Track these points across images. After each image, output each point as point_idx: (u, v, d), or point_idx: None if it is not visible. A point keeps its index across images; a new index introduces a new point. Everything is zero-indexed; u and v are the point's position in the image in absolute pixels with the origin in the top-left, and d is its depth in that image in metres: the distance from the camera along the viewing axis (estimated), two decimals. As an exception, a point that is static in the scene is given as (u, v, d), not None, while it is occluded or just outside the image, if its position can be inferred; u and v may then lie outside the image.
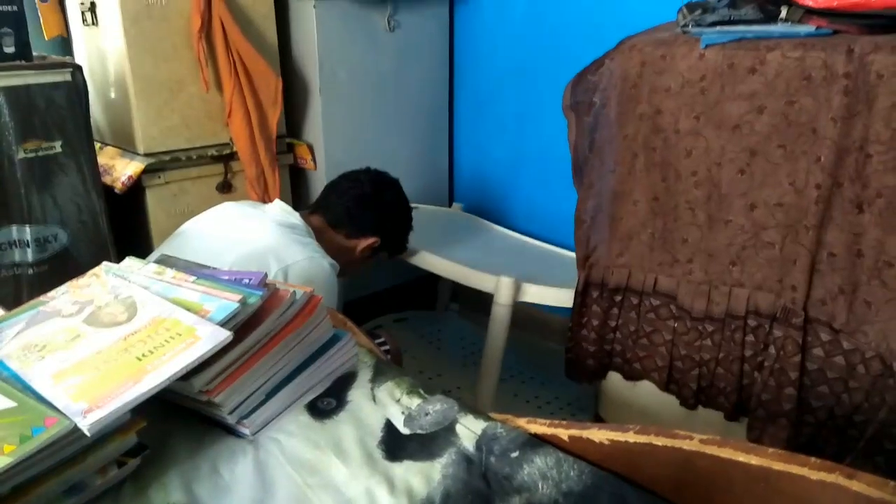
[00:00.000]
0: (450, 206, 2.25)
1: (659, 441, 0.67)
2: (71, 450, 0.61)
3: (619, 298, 1.40)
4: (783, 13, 1.16)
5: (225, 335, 0.66)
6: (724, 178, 1.20)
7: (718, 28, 1.18)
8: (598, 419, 1.64)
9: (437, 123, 2.22)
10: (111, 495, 0.69)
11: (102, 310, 0.73)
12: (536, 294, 1.60)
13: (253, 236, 1.34)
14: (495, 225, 2.05)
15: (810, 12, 1.13)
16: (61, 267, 1.50)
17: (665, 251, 1.32)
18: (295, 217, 1.44)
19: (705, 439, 0.65)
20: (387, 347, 1.45)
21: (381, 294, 2.15)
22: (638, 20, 1.46)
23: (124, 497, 0.69)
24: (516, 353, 2.03)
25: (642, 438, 0.68)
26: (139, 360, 0.64)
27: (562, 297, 1.56)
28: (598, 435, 0.72)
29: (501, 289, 1.58)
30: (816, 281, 1.13)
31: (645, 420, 1.48)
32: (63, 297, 0.78)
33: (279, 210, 1.46)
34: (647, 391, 1.42)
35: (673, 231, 1.30)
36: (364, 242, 1.53)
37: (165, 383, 0.62)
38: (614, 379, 1.49)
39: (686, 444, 0.65)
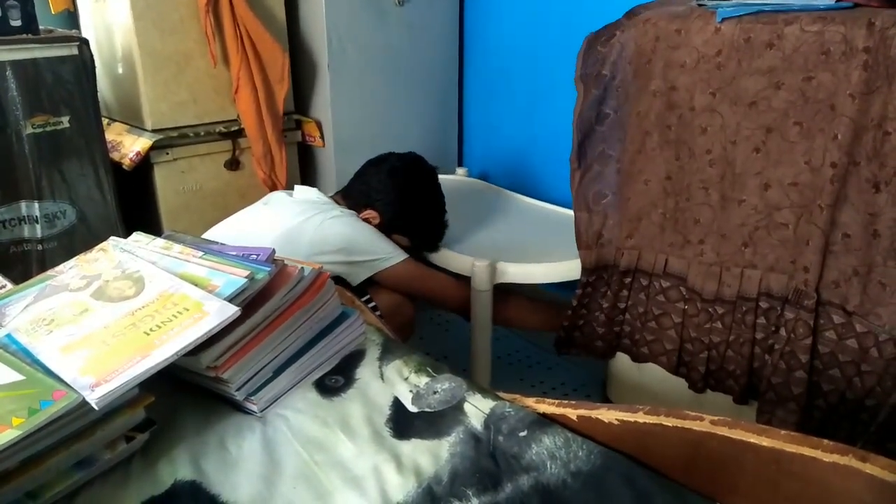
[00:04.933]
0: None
1: (669, 422, 0.66)
2: (79, 424, 0.61)
3: (628, 280, 1.39)
4: (803, -14, 1.14)
5: (233, 311, 0.66)
6: (739, 156, 1.18)
7: (735, 0, 1.15)
8: (606, 402, 1.63)
9: (446, 100, 2.20)
10: (120, 470, 0.69)
11: (110, 284, 0.73)
12: (517, 274, 1.50)
13: (282, 220, 1.41)
14: (504, 189, 2.00)
15: (831, -15, 1.10)
16: (70, 243, 1.50)
17: (676, 232, 1.31)
18: (321, 196, 1.50)
19: (716, 420, 0.64)
20: (373, 304, 1.42)
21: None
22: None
23: (133, 471, 0.69)
24: (524, 335, 2.02)
25: (652, 419, 0.68)
26: (147, 334, 0.64)
27: (546, 272, 1.50)
28: (608, 415, 0.71)
29: (477, 274, 1.48)
30: (830, 262, 1.11)
31: (654, 403, 1.47)
32: (71, 271, 0.78)
33: (306, 194, 1.51)
34: (655, 374, 1.41)
35: (685, 211, 1.28)
36: (364, 214, 1.50)
37: (173, 358, 0.61)
38: (623, 360, 1.48)
39: (696, 425, 0.64)
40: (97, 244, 0.87)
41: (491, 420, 0.74)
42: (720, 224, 1.24)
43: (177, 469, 0.70)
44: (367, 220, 1.49)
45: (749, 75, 1.13)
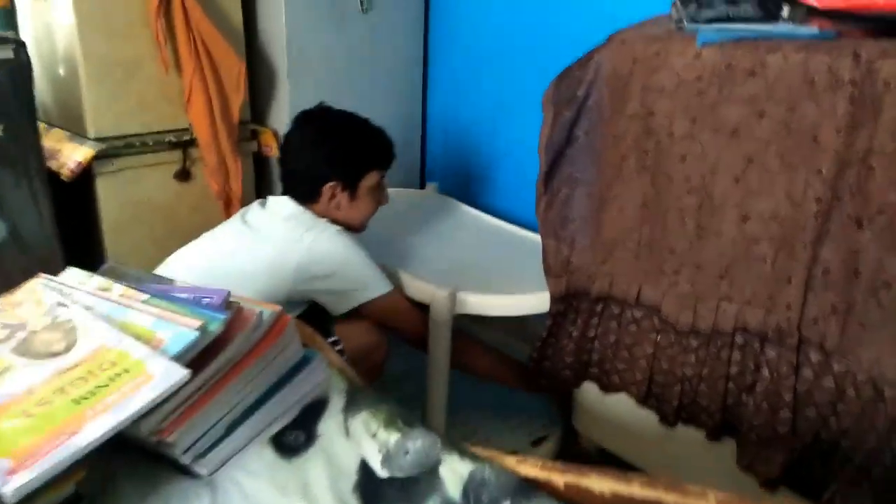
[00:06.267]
0: (421, 187, 2.16)
1: (669, 497, 0.60)
2: (-10, 514, 0.52)
3: (599, 307, 1.34)
4: (785, 12, 1.10)
5: (181, 375, 0.58)
6: (718, 186, 1.14)
7: (716, 25, 1.11)
8: (571, 431, 1.58)
9: (410, 112, 2.13)
10: (43, 552, 0.60)
11: (37, 336, 0.64)
12: (478, 304, 1.39)
13: (264, 245, 1.33)
14: (469, 207, 1.92)
15: (814, 12, 1.07)
16: (0, 262, 1.37)
17: (651, 261, 1.26)
18: (297, 207, 1.40)
19: (722, 499, 0.58)
20: (340, 347, 1.32)
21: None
22: (627, 12, 1.39)
23: (59, 554, 0.60)
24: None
25: (650, 493, 0.62)
26: (77, 403, 0.55)
27: (510, 305, 1.42)
28: (599, 484, 0.65)
29: (436, 303, 1.37)
30: (810, 299, 1.08)
31: (622, 434, 1.43)
32: (-10, 318, 0.68)
33: (280, 206, 1.41)
34: (624, 405, 1.37)
35: (661, 240, 1.24)
36: (327, 193, 1.40)
37: (109, 435, 0.53)
38: (590, 390, 1.43)
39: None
40: (30, 264, 0.78)
41: (470, 487, 0.68)
42: (696, 255, 1.20)
43: (112, 551, 0.61)
44: (333, 196, 1.40)
45: (730, 103, 1.09)
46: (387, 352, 1.42)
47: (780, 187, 1.07)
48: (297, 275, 1.29)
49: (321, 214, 1.41)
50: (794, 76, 1.03)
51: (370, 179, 1.44)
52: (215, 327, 0.66)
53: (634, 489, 0.63)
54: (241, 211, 1.44)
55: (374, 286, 1.36)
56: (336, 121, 1.44)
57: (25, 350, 0.62)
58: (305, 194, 1.41)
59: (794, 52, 1.03)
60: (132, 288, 0.72)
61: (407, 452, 0.72)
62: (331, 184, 1.39)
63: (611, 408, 1.41)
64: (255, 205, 1.45)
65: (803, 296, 1.08)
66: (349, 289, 1.34)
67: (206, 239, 1.40)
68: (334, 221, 1.40)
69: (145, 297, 0.70)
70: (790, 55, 1.03)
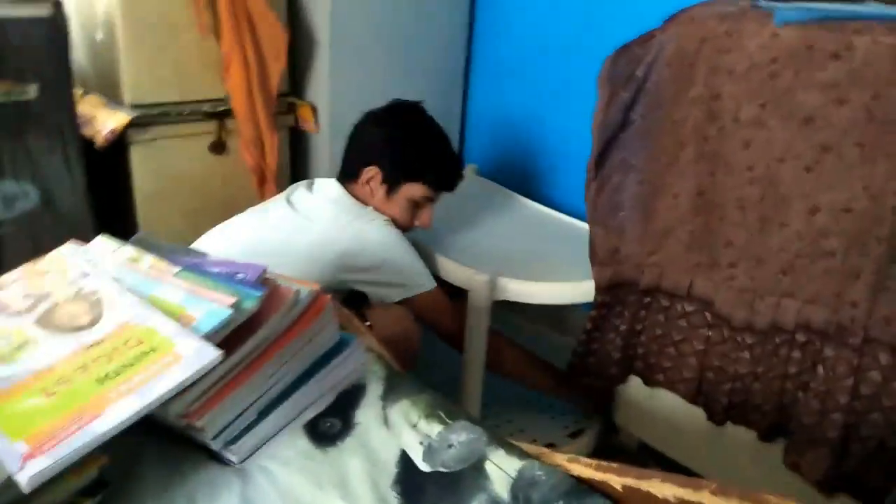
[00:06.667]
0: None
1: (745, 511, 0.54)
2: (3, 499, 0.48)
3: (647, 300, 1.27)
4: (874, -9, 1.02)
5: (213, 356, 0.53)
6: (786, 176, 1.06)
7: (797, 3, 1.03)
8: (612, 427, 1.52)
9: (451, 90, 2.06)
10: (63, 539, 0.56)
11: (60, 308, 0.59)
12: (519, 291, 1.33)
13: (311, 226, 1.30)
14: (510, 191, 1.85)
15: (905, -8, 0.99)
16: (32, 229, 1.35)
17: (705, 252, 1.19)
18: (345, 195, 1.36)
19: (807, 519, 0.52)
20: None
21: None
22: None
23: (79, 541, 0.56)
24: (526, 346, 1.89)
25: (722, 502, 0.56)
26: (100, 383, 0.50)
27: (551, 293, 1.35)
28: (662, 489, 0.59)
29: (475, 289, 1.31)
30: (882, 298, 1.00)
31: (666, 430, 1.36)
32: (14, 285, 0.64)
33: (329, 190, 1.38)
34: (670, 399, 1.30)
35: (717, 231, 1.17)
36: (364, 177, 1.35)
37: (133, 419, 0.48)
38: (633, 383, 1.37)
39: (782, 521, 0.53)
40: (63, 231, 0.74)
41: (519, 487, 0.62)
42: (756, 248, 1.12)
43: (134, 540, 0.57)
44: (368, 181, 1.35)
45: (807, 88, 1.01)
46: (420, 342, 1.36)
47: (856, 179, 0.99)
48: (341, 261, 1.25)
49: (359, 196, 1.37)
50: (884, 61, 0.94)
51: (414, 190, 1.37)
52: (250, 305, 0.61)
53: (704, 497, 0.56)
54: (287, 191, 1.40)
55: (418, 282, 1.31)
56: (416, 118, 1.40)
57: (48, 322, 0.58)
58: (348, 170, 1.37)
59: (886, 35, 0.94)
60: (163, 260, 0.67)
61: (451, 446, 0.67)
62: (373, 167, 1.35)
63: (655, 402, 1.35)
64: (302, 186, 1.40)
65: (873, 295, 1.00)
66: (393, 282, 1.30)
67: (248, 215, 1.36)
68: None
69: (176, 269, 0.65)
70: (880, 37, 0.94)
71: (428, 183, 1.38)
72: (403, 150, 1.36)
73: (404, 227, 1.39)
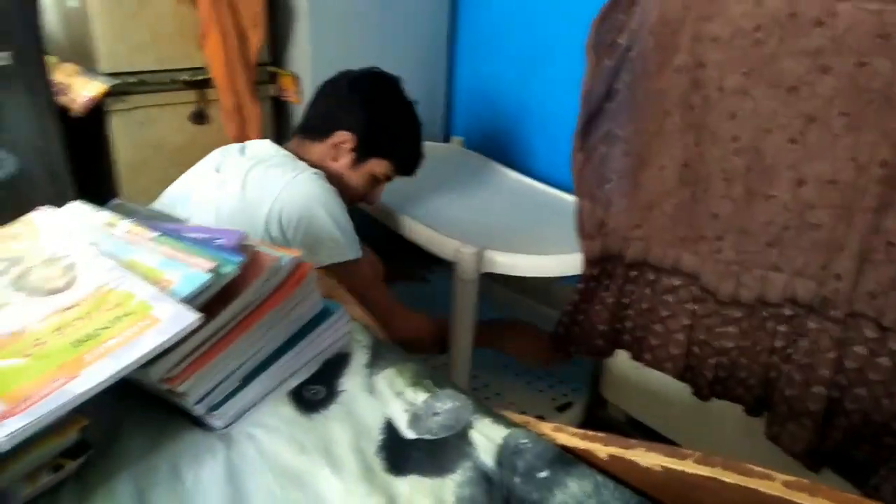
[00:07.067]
0: (446, 141, 2.08)
1: (728, 477, 0.54)
2: (-18, 461, 0.47)
3: (634, 274, 1.27)
4: (859, -41, 1.01)
5: (191, 319, 0.52)
6: (771, 146, 1.06)
7: (784, -30, 1.02)
8: (599, 400, 1.53)
9: (436, 59, 2.03)
10: (45, 501, 0.55)
11: (34, 271, 0.58)
12: (506, 264, 1.32)
13: (236, 186, 1.19)
14: (497, 164, 1.84)
15: (892, -40, 0.97)
16: (8, 197, 1.32)
17: (690, 225, 1.19)
18: (273, 148, 1.28)
19: (790, 482, 0.52)
20: None
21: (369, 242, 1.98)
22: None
23: (61, 505, 0.55)
24: (514, 318, 1.89)
25: (705, 471, 0.56)
26: (76, 345, 0.49)
27: (538, 266, 1.33)
28: (647, 458, 0.59)
29: (463, 261, 1.30)
30: (868, 271, 1.01)
31: (653, 404, 1.37)
32: (-14, 250, 0.62)
33: (259, 148, 1.29)
34: (658, 375, 1.31)
35: (702, 203, 1.17)
36: (333, 139, 1.29)
37: (109, 381, 0.47)
38: (620, 357, 1.37)
39: (765, 486, 0.53)
40: (41, 199, 0.72)
41: (504, 455, 0.62)
42: (742, 220, 1.12)
43: (117, 503, 0.56)
44: (338, 145, 1.29)
45: (791, 56, 1.00)
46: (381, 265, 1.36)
47: (842, 150, 0.99)
48: (267, 223, 1.15)
49: (314, 158, 1.29)
50: (867, 27, 0.94)
51: (380, 167, 1.33)
52: (229, 270, 0.60)
53: (687, 465, 0.56)
54: (215, 158, 1.30)
55: (348, 246, 1.20)
56: (398, 95, 1.35)
57: (22, 284, 0.56)
58: (313, 126, 1.31)
59: (869, 1, 0.93)
60: (140, 225, 0.66)
61: (436, 413, 0.66)
62: (346, 133, 1.29)
63: (642, 377, 1.36)
64: (234, 151, 1.29)
65: (858, 267, 1.01)
66: (313, 244, 1.17)
67: (187, 179, 1.29)
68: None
69: (154, 234, 0.64)
70: (863, 4, 0.93)
71: (395, 163, 1.35)
72: (383, 125, 1.32)
73: (353, 199, 1.35)
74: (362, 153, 1.31)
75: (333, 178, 1.27)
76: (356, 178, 1.33)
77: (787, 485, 0.52)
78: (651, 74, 1.17)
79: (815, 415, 1.08)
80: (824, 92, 0.99)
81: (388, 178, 1.38)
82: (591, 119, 1.23)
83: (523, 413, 0.69)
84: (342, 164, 1.31)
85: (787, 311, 1.09)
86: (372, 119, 1.30)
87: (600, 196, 1.26)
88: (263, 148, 1.29)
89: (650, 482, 0.58)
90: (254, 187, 1.18)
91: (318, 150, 1.31)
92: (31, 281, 0.56)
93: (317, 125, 1.32)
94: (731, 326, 1.15)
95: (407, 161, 1.38)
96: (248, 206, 1.16)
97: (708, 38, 1.09)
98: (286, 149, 1.29)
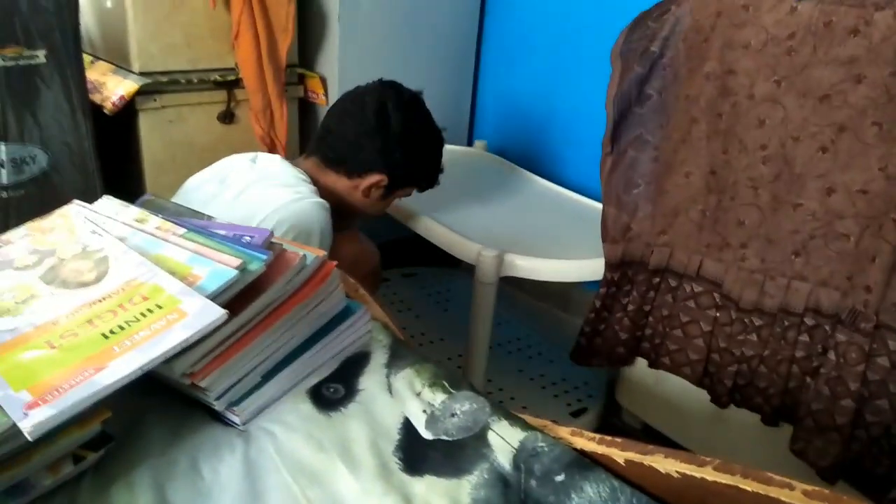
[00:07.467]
0: (469, 144, 2.07)
1: (748, 485, 0.54)
2: (7, 447, 0.48)
3: (656, 280, 1.26)
4: (896, -34, 0.99)
5: (218, 314, 0.52)
6: (801, 155, 1.05)
7: (817, -22, 1.01)
8: (614, 406, 1.52)
9: (462, 64, 2.04)
10: (66, 491, 0.56)
11: (66, 264, 0.59)
12: (527, 268, 1.31)
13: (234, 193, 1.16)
14: (520, 168, 1.83)
15: (929, -32, 0.96)
16: (39, 192, 1.35)
17: (716, 233, 1.18)
18: (283, 166, 1.22)
19: (810, 491, 0.52)
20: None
21: (389, 245, 1.98)
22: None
23: (82, 495, 0.56)
24: (531, 324, 1.89)
25: (724, 478, 0.55)
26: (105, 337, 0.50)
27: (558, 270, 1.32)
28: (665, 464, 0.59)
29: (483, 264, 1.29)
30: (894, 282, 0.99)
31: (669, 412, 1.36)
32: (21, 241, 0.63)
33: (270, 163, 1.24)
34: (674, 380, 1.30)
35: (728, 210, 1.16)
36: (367, 181, 1.23)
37: (137, 374, 0.48)
38: (639, 365, 1.36)
39: (784, 495, 0.52)
40: (71, 195, 0.73)
41: (521, 457, 0.62)
42: (768, 228, 1.11)
43: (135, 495, 0.57)
44: (370, 186, 1.24)
45: (825, 65, 0.99)
46: (379, 256, 1.38)
47: (873, 159, 0.98)
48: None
49: (337, 189, 1.25)
50: (903, 36, 0.92)
51: (406, 192, 1.33)
52: (256, 267, 0.61)
53: (707, 472, 0.56)
54: (223, 166, 1.25)
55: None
56: (424, 120, 1.29)
57: (53, 278, 0.58)
58: (343, 161, 1.24)
59: (905, 10, 0.92)
60: (169, 221, 0.67)
61: (454, 414, 0.67)
62: (382, 176, 1.24)
63: (659, 384, 1.34)
64: (244, 162, 1.24)
65: (888, 279, 0.99)
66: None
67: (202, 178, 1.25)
68: (337, 199, 1.22)
69: (183, 230, 0.65)
70: (900, 13, 0.92)
71: (420, 188, 1.35)
72: (418, 161, 1.28)
73: (366, 217, 1.34)
74: (392, 187, 1.28)
75: (348, 199, 1.26)
76: (380, 206, 1.31)
77: (807, 494, 0.51)
78: (681, 81, 1.17)
79: (842, 428, 1.06)
80: (857, 101, 0.98)
81: (406, 195, 1.37)
82: (620, 123, 1.23)
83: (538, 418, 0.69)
84: (372, 199, 1.28)
85: (810, 321, 1.07)
86: (408, 160, 1.25)
87: (627, 201, 1.26)
88: (273, 165, 1.22)
89: (668, 488, 0.58)
90: (247, 201, 1.13)
91: (343, 184, 1.25)
92: (62, 274, 0.58)
93: (343, 156, 1.24)
94: (752, 334, 1.14)
95: (431, 183, 1.36)
96: (236, 216, 1.09)
97: (739, 46, 1.08)
98: (300, 167, 1.23)
